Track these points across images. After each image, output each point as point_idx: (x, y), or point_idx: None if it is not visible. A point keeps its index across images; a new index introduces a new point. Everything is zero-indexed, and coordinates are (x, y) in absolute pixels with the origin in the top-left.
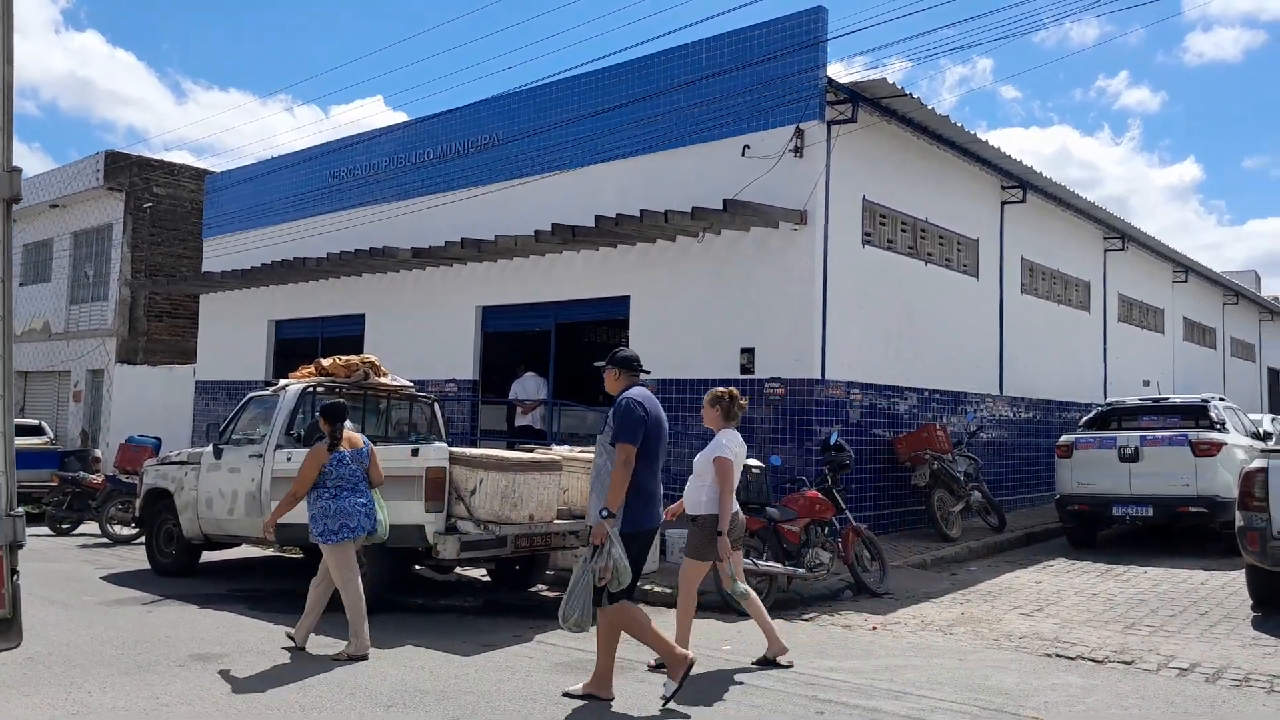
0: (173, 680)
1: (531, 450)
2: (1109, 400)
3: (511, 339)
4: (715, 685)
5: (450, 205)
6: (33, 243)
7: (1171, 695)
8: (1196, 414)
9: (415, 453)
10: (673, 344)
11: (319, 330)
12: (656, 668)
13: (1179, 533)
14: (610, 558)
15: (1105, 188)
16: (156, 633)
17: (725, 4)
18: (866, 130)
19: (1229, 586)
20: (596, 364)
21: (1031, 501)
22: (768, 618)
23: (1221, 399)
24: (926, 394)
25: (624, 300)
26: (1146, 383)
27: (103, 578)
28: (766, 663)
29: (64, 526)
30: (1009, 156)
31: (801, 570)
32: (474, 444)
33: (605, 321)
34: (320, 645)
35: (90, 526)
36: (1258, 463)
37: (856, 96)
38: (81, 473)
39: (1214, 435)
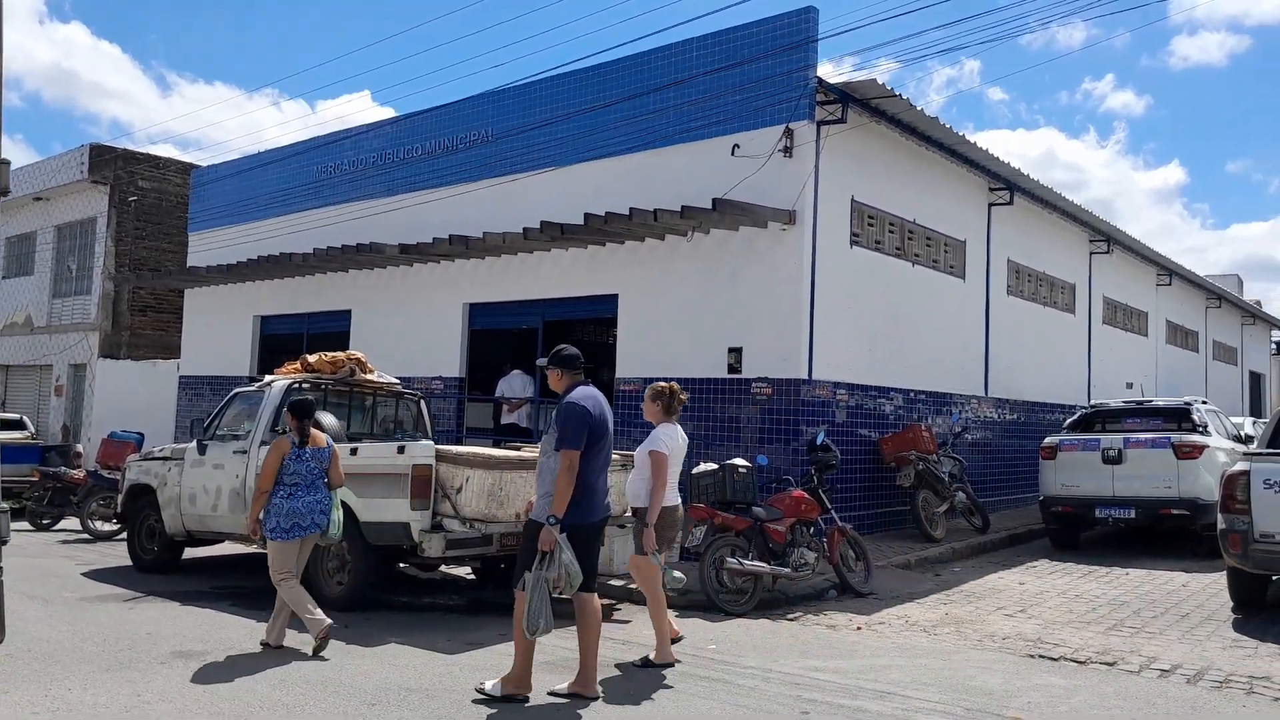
0: (154, 678)
1: (518, 448)
2: (1093, 402)
3: (499, 336)
4: (699, 684)
5: (439, 202)
6: (15, 235)
7: (1153, 696)
8: (1179, 417)
9: (401, 450)
10: (660, 343)
11: (304, 326)
12: (644, 664)
13: (1161, 535)
14: (561, 564)
15: (1090, 190)
16: (138, 629)
17: (716, 3)
18: (856, 131)
19: (1210, 588)
20: (539, 362)
21: (1015, 503)
22: (667, 621)
23: (1204, 402)
24: (912, 395)
25: (612, 299)
26: (1130, 385)
27: (84, 574)
28: (647, 663)
29: (45, 522)
30: (996, 158)
31: (787, 570)
32: (460, 442)
33: (593, 320)
34: (303, 641)
35: (71, 522)
36: (1240, 466)
37: (846, 97)
38: (63, 468)
39: (1196, 438)
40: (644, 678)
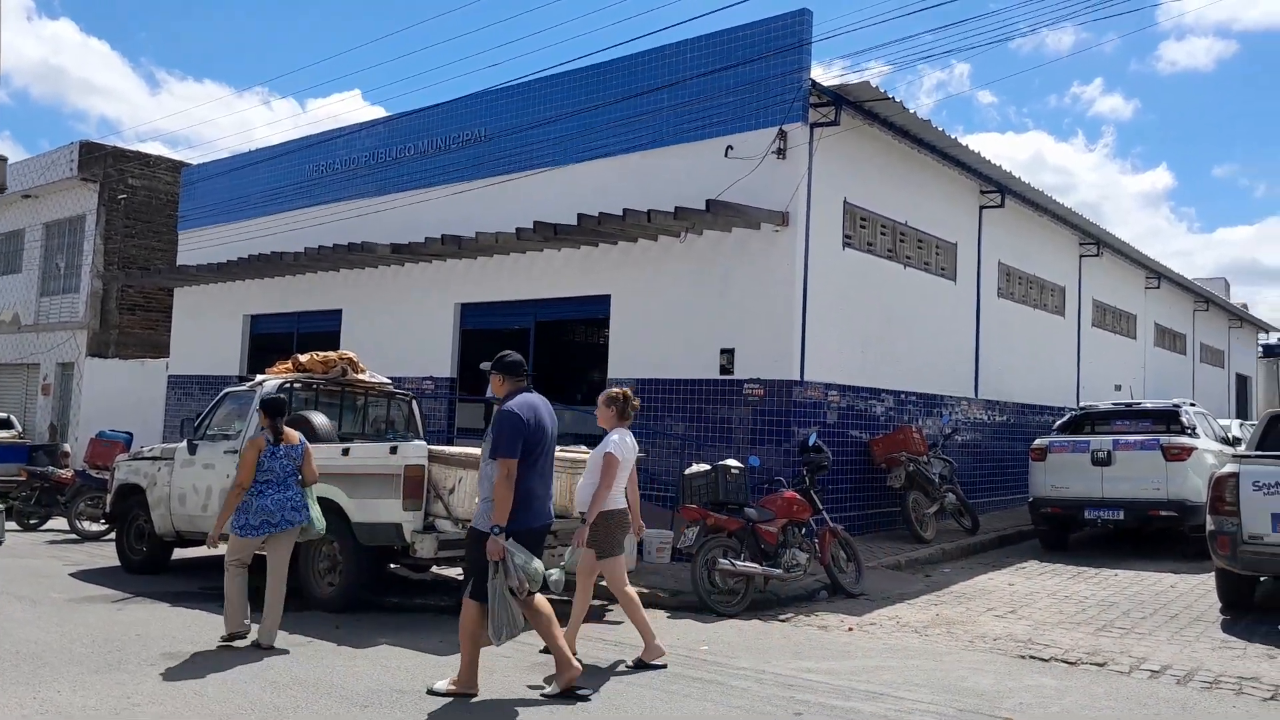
0: (144, 679)
1: None
2: (1082, 404)
3: (491, 337)
4: (691, 684)
5: (431, 201)
6: (3, 233)
7: (1144, 697)
8: (1168, 419)
9: (394, 451)
10: (653, 344)
11: (295, 325)
12: (637, 666)
13: (1149, 536)
14: (518, 569)
15: (1079, 194)
16: (127, 631)
17: (711, 4)
18: (849, 133)
19: (1198, 589)
20: (482, 366)
21: (1005, 504)
22: (559, 629)
23: (1192, 404)
24: (903, 396)
25: (605, 299)
26: (1118, 387)
27: (71, 574)
28: (640, 664)
29: (32, 522)
30: (988, 161)
31: (779, 571)
32: (451, 442)
33: (586, 320)
34: (293, 643)
35: (59, 522)
36: (1229, 468)
37: (840, 99)
38: (50, 467)
39: (1185, 440)
40: (636, 679)
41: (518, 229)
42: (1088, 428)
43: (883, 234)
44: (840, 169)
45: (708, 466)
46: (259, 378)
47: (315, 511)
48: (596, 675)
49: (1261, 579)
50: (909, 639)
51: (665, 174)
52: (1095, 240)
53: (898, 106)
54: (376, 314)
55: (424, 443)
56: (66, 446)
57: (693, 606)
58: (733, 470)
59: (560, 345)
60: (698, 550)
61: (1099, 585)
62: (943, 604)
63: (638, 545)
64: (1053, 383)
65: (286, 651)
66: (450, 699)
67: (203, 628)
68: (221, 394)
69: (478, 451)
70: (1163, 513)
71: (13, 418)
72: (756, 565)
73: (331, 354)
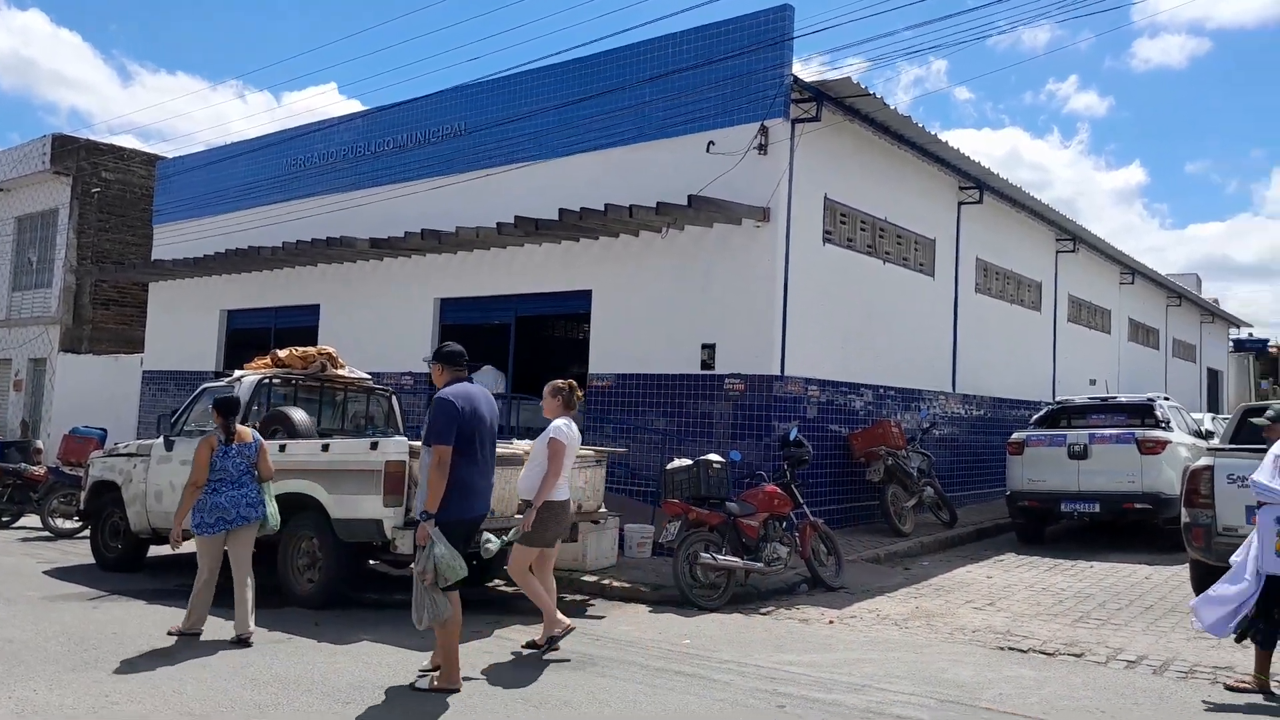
0: (122, 678)
1: None
2: (1058, 399)
3: (471, 331)
4: (675, 679)
5: (411, 196)
6: None
7: (1121, 687)
8: (1142, 413)
9: (374, 446)
10: (634, 339)
11: (272, 320)
12: (530, 645)
13: (1124, 528)
14: (432, 557)
15: (1054, 190)
16: (103, 629)
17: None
18: (829, 129)
19: (1172, 581)
20: (424, 358)
21: (982, 498)
22: (550, 601)
23: (1166, 398)
24: (882, 391)
25: (586, 294)
26: (1093, 382)
27: (45, 572)
28: (533, 645)
29: (4, 519)
30: (967, 157)
31: (760, 564)
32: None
33: (567, 315)
34: (272, 640)
35: (31, 519)
36: (1204, 461)
37: (821, 95)
38: (23, 464)
39: (1159, 434)
40: (619, 673)
41: (498, 224)
42: (1064, 422)
43: (862, 230)
44: (821, 165)
45: (690, 461)
46: (237, 373)
47: (271, 508)
48: (582, 669)
49: None
50: (889, 631)
51: (647, 169)
52: (1071, 236)
53: (878, 103)
54: (355, 309)
55: (404, 438)
56: (39, 443)
57: (674, 601)
58: (714, 465)
59: (541, 341)
60: (679, 545)
61: (1075, 577)
62: (922, 597)
63: (619, 539)
64: (1029, 377)
65: (267, 647)
66: (432, 694)
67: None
68: (199, 390)
69: None
70: (1138, 505)
71: None
72: (738, 559)
73: (310, 349)
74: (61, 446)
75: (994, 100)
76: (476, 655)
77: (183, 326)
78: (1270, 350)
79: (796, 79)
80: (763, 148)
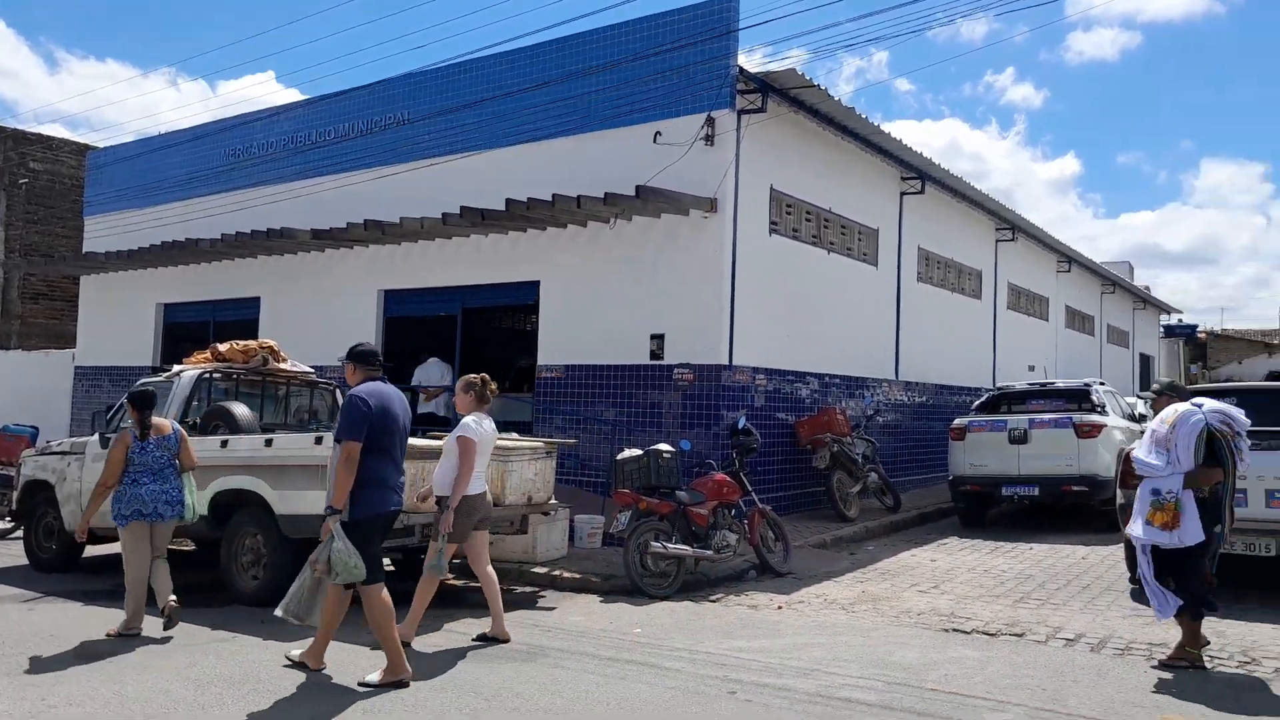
0: (60, 681)
1: (440, 438)
2: (998, 385)
3: (415, 324)
4: (627, 667)
5: (354, 186)
6: None
7: (1061, 665)
8: (1079, 398)
9: (318, 441)
10: (583, 330)
11: (211, 314)
12: (481, 638)
13: (1063, 510)
14: (329, 551)
15: (992, 180)
16: (40, 631)
17: None
18: (774, 120)
19: (1108, 560)
20: (338, 358)
21: (924, 482)
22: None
23: (1102, 383)
24: (827, 379)
25: (533, 285)
26: (1032, 368)
27: None
28: (487, 639)
29: None
30: (909, 148)
31: (710, 552)
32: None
33: (514, 307)
34: (217, 639)
35: None
36: (1137, 443)
37: (766, 86)
38: None
39: (1095, 418)
40: (572, 663)
41: (444, 214)
42: (1004, 407)
43: (807, 220)
44: (766, 156)
45: (640, 451)
46: (176, 368)
47: (190, 499)
48: (532, 657)
49: None
50: (837, 616)
51: (594, 159)
52: (1010, 226)
53: (822, 94)
54: (297, 302)
55: None
56: None
57: (625, 590)
58: (664, 455)
59: (488, 332)
60: (630, 534)
61: (1016, 559)
62: (868, 581)
63: (569, 531)
64: (970, 364)
65: (211, 646)
66: (382, 688)
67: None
68: (136, 385)
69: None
70: (1075, 488)
71: None
72: (688, 547)
73: (252, 343)
74: None
75: (934, 91)
76: (427, 649)
77: (116, 321)
78: (1199, 336)
79: (742, 70)
80: (709, 139)
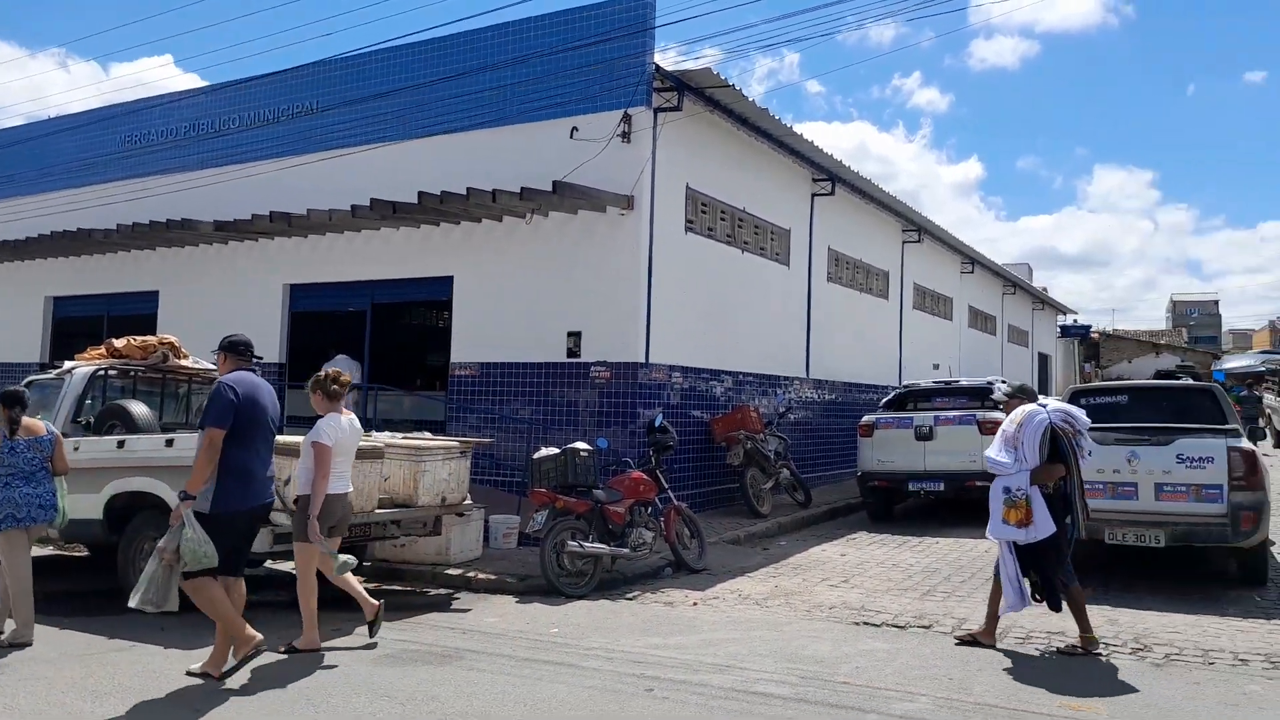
0: None
1: None
2: (905, 383)
3: (324, 319)
4: (543, 668)
5: (259, 176)
6: None
7: (966, 655)
8: (982, 395)
9: None
10: (498, 327)
11: (105, 308)
12: (289, 650)
13: (967, 505)
14: (179, 539)
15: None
16: None
17: None
18: (690, 119)
19: None
20: (212, 351)
21: (834, 478)
22: (363, 592)
23: (1004, 381)
24: (741, 377)
25: (447, 281)
26: (936, 366)
27: None
28: (291, 650)
29: None
30: (820, 150)
31: (626, 550)
32: (281, 431)
33: (426, 302)
34: (115, 649)
35: None
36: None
37: (682, 85)
38: None
39: (998, 415)
40: (485, 664)
41: (353, 206)
42: (910, 405)
43: (722, 219)
44: (683, 155)
45: (557, 450)
46: (68, 365)
47: (62, 504)
48: (444, 662)
49: None
50: (751, 611)
51: (510, 153)
52: (917, 227)
53: (736, 94)
54: (198, 296)
55: None
56: None
57: (541, 590)
58: (581, 453)
59: (399, 328)
60: (547, 534)
61: (923, 553)
62: (781, 576)
63: (484, 531)
64: (877, 362)
65: (111, 655)
66: (291, 695)
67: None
68: (24, 382)
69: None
70: (978, 483)
71: None
72: (605, 546)
73: (151, 338)
74: None
75: (844, 94)
76: (340, 654)
77: (1, 315)
78: (1093, 336)
79: (659, 68)
80: (626, 135)
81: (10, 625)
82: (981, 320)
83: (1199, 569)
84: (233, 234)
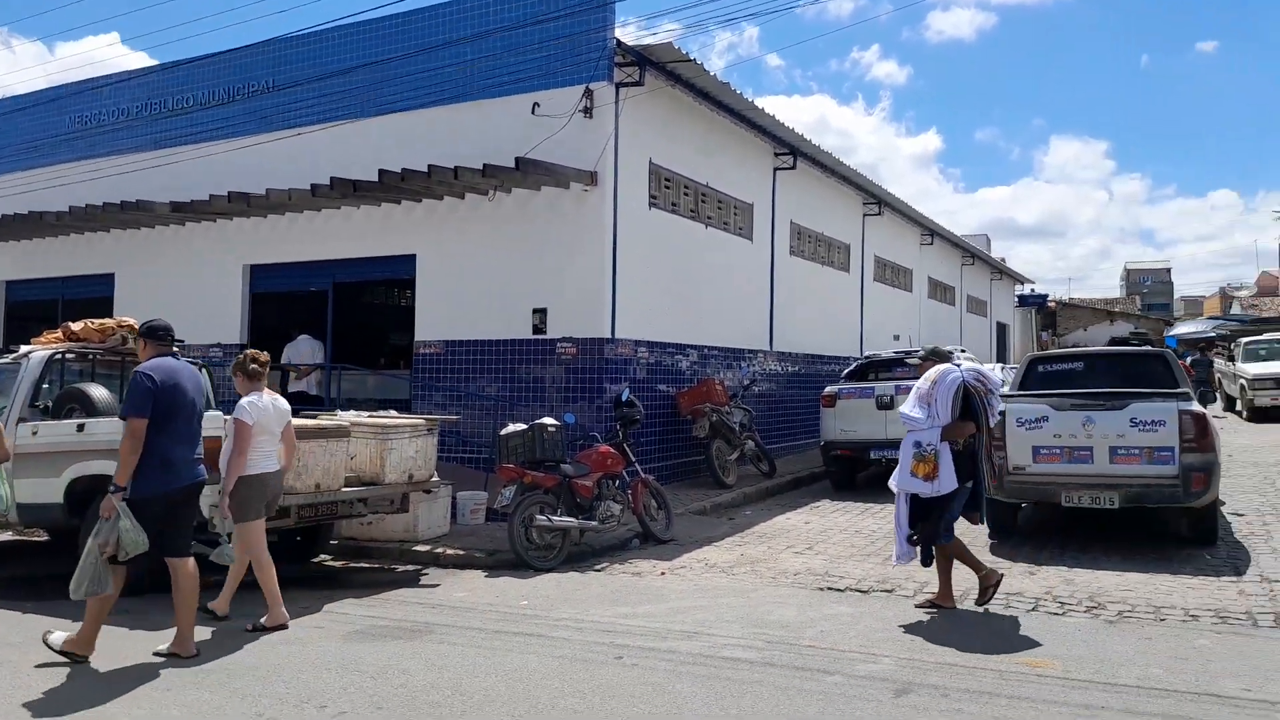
0: None
1: (314, 416)
2: (866, 354)
3: (285, 300)
4: (514, 639)
5: (216, 156)
6: None
7: (928, 618)
8: None
9: None
10: (462, 305)
11: (60, 291)
12: (256, 629)
13: None
14: (116, 530)
15: (859, 155)
16: None
17: None
18: (652, 94)
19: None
20: (138, 333)
21: (796, 449)
22: (236, 580)
23: (963, 350)
24: (706, 350)
25: (409, 259)
26: (897, 337)
27: None
28: (262, 629)
29: None
30: (781, 124)
31: (594, 523)
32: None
33: (389, 281)
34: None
35: None
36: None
37: (643, 60)
38: None
39: None
40: (454, 637)
41: (313, 185)
42: (872, 375)
43: (685, 194)
44: (645, 130)
45: (524, 426)
46: (25, 348)
47: (4, 490)
48: (419, 636)
49: (1023, 505)
50: (718, 579)
51: (471, 130)
52: (877, 200)
53: (698, 68)
54: (156, 278)
55: (219, 413)
56: None
57: (511, 564)
58: (549, 429)
59: (362, 308)
60: (515, 508)
61: (885, 520)
62: (746, 544)
63: (451, 508)
64: (839, 334)
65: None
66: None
67: None
68: None
69: None
70: None
71: None
72: (573, 519)
73: (109, 321)
74: None
75: (803, 68)
76: (308, 631)
77: None
78: (1049, 305)
79: (620, 42)
80: (588, 111)
81: None
82: (941, 291)
83: (1152, 529)
84: (190, 215)
